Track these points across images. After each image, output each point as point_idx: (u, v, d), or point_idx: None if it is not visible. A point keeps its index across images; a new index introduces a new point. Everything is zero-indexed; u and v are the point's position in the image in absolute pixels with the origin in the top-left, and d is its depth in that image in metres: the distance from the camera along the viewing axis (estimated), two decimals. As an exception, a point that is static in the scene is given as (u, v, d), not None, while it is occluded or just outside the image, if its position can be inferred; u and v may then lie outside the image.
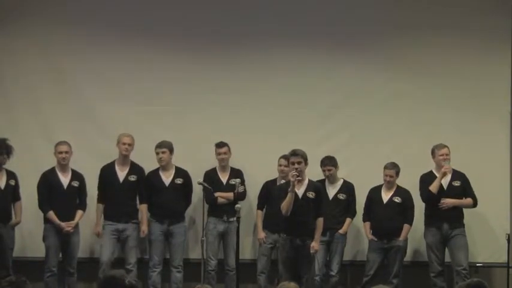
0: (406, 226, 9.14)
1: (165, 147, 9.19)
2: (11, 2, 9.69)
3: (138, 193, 9.22)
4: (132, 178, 9.17)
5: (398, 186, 9.24)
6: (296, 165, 8.15)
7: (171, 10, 9.67)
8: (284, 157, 9.00)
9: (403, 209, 9.17)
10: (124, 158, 9.17)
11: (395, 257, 9.09)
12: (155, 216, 9.21)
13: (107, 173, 9.16)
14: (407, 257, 9.44)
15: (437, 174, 9.14)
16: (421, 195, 9.18)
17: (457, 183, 9.17)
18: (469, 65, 9.77)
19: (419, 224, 9.30)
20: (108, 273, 3.89)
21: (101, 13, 9.65)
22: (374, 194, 9.29)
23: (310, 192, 8.25)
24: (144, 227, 9.14)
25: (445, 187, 9.16)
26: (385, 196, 9.23)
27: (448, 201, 9.08)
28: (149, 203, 9.25)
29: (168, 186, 9.23)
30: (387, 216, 9.13)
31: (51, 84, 9.62)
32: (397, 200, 9.18)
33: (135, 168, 9.21)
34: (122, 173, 9.16)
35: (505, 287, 9.08)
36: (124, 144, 9.11)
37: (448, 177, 9.18)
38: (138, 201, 9.24)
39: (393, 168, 9.16)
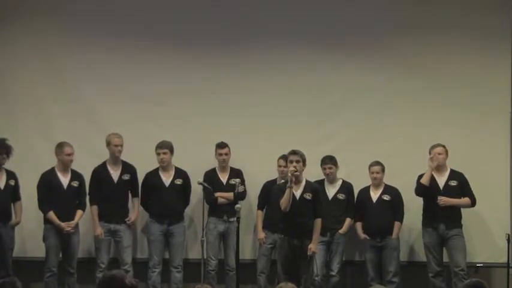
0: (397, 224, 9.19)
1: (166, 147, 9.18)
2: (11, 2, 9.69)
3: (131, 190, 9.22)
4: (126, 177, 9.18)
5: (386, 184, 9.29)
6: (294, 163, 8.17)
7: (171, 10, 9.67)
8: (283, 157, 8.99)
9: (392, 207, 9.22)
10: (116, 158, 9.17)
11: (391, 255, 9.13)
12: (155, 217, 9.21)
13: (100, 174, 9.15)
14: (406, 257, 9.48)
15: (434, 175, 9.15)
16: (415, 190, 9.20)
17: (453, 183, 9.15)
18: (469, 64, 9.75)
19: (417, 224, 9.31)
20: (108, 273, 3.87)
21: (101, 13, 9.65)
22: (363, 194, 9.35)
23: (308, 194, 8.26)
24: (133, 215, 9.15)
25: (441, 187, 9.14)
26: (374, 195, 9.28)
27: (446, 199, 9.07)
28: (147, 202, 9.28)
29: (168, 187, 9.23)
30: (378, 215, 9.18)
31: (51, 84, 9.62)
32: (386, 198, 9.23)
33: (127, 167, 9.22)
34: (115, 173, 9.16)
35: (505, 287, 9.06)
36: (116, 146, 9.11)
37: (445, 176, 9.18)
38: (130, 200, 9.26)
39: (378, 165, 9.23)
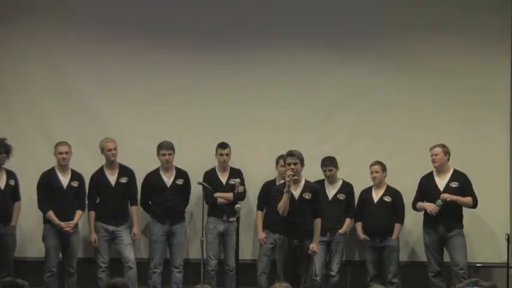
0: (397, 226, 9.18)
1: (171, 148, 9.18)
2: (11, 1, 9.66)
3: (129, 195, 9.21)
4: (124, 180, 9.16)
5: (388, 186, 9.28)
6: (292, 166, 8.13)
7: (171, 10, 9.65)
8: (282, 157, 8.95)
9: (393, 208, 9.20)
10: (112, 162, 9.15)
11: (391, 257, 9.14)
12: (157, 217, 9.19)
13: (98, 179, 9.14)
14: (406, 257, 9.48)
15: (435, 176, 9.14)
16: (413, 202, 9.19)
17: (454, 184, 9.09)
18: (469, 64, 9.76)
19: (418, 225, 9.31)
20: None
21: (101, 13, 9.62)
22: (365, 194, 9.35)
23: (307, 193, 8.25)
24: (135, 229, 9.14)
25: (441, 189, 9.10)
26: (376, 196, 9.27)
27: (447, 196, 9.01)
28: (148, 203, 9.27)
29: (169, 187, 9.22)
30: (378, 216, 9.17)
31: (51, 83, 9.59)
32: (387, 199, 9.22)
33: (124, 170, 9.20)
34: (112, 177, 9.14)
35: (505, 287, 9.06)
36: (110, 150, 9.09)
37: (446, 178, 9.14)
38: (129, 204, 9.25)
39: (377, 164, 9.21)
